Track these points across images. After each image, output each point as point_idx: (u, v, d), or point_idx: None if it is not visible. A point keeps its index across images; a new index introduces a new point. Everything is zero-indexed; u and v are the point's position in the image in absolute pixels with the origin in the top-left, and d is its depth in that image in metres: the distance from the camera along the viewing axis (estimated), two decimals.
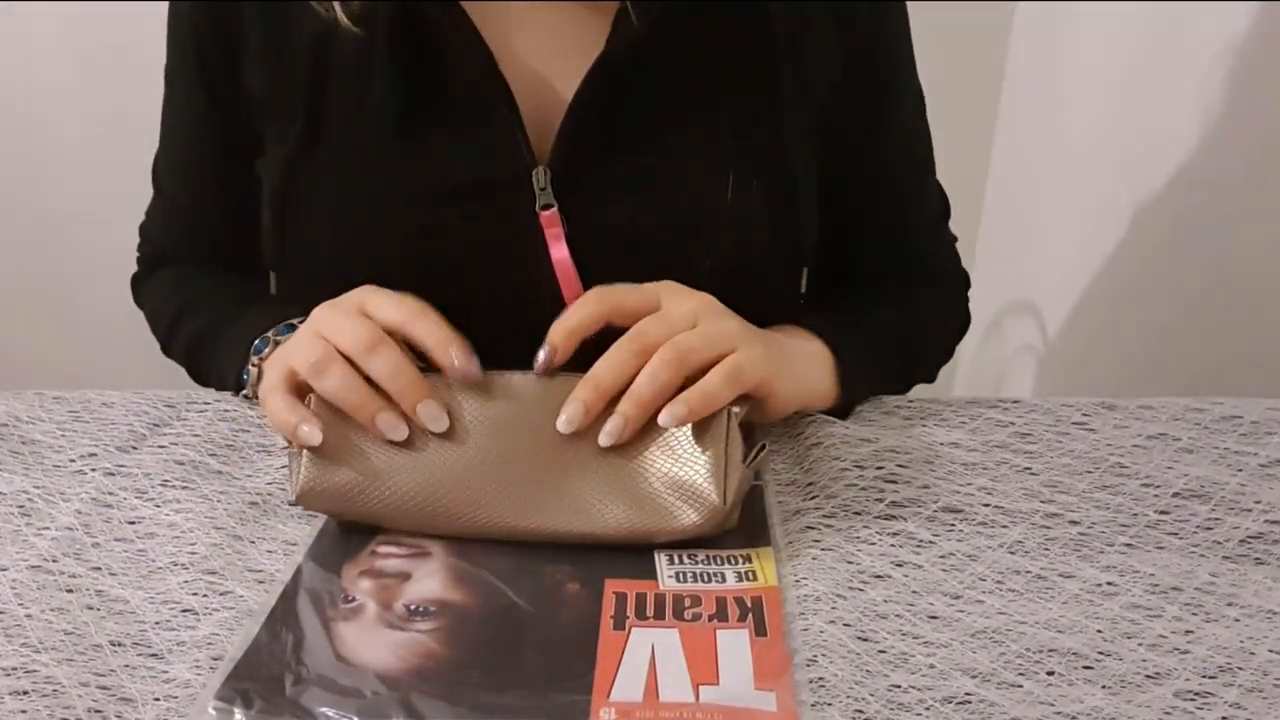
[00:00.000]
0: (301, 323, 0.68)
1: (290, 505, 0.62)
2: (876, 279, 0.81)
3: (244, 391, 0.72)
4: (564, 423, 0.59)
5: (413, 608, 0.54)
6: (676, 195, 0.71)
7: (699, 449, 0.59)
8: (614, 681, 0.49)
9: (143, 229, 0.86)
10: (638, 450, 0.59)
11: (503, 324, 0.69)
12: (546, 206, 0.69)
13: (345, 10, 0.68)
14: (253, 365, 0.70)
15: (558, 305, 0.69)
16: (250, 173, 0.76)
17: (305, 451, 0.60)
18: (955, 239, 0.86)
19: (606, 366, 0.60)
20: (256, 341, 0.70)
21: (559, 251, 0.70)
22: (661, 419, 0.58)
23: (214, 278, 0.82)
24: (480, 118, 0.70)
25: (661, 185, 0.71)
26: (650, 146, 0.71)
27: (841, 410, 0.72)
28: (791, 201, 0.74)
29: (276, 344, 0.69)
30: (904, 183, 0.81)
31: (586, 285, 0.69)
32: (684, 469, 0.58)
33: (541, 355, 0.61)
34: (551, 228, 0.69)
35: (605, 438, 0.59)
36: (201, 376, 0.80)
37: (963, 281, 0.86)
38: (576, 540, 0.58)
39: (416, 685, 0.49)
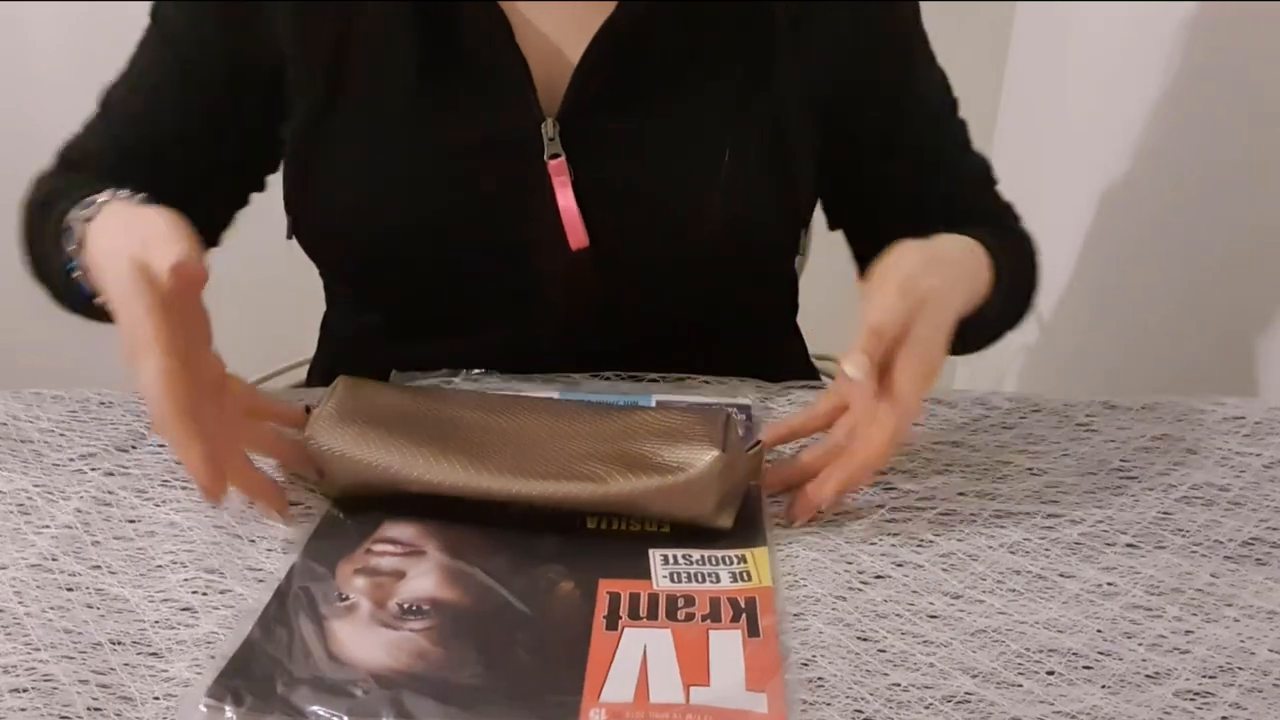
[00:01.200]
0: (104, 202, 0.65)
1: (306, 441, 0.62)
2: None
3: (71, 265, 0.67)
4: (855, 370, 0.58)
5: (406, 606, 0.54)
6: (676, 155, 0.74)
7: (698, 430, 0.60)
8: (605, 682, 0.49)
9: (70, 144, 0.82)
10: (639, 440, 0.60)
11: (509, 267, 0.75)
12: (554, 156, 0.73)
13: None
14: (76, 276, 0.66)
15: (562, 251, 0.73)
16: (229, 127, 0.77)
17: (315, 418, 0.62)
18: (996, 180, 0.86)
19: (886, 318, 0.60)
20: (68, 248, 0.66)
21: (565, 199, 0.73)
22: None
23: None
24: (493, 77, 0.73)
25: (663, 145, 0.74)
26: (654, 107, 0.74)
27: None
28: (787, 167, 0.76)
29: (86, 221, 0.65)
30: (938, 150, 0.82)
31: (591, 234, 0.73)
32: (683, 440, 0.60)
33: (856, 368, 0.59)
34: (559, 176, 0.73)
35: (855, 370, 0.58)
36: (30, 250, 0.76)
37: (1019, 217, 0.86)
38: (581, 502, 0.59)
39: (407, 684, 0.49)
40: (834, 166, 0.81)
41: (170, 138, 0.78)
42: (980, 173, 0.85)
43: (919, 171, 0.81)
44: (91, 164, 0.79)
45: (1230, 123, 1.08)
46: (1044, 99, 1.47)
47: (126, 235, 0.61)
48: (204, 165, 0.78)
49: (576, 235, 0.73)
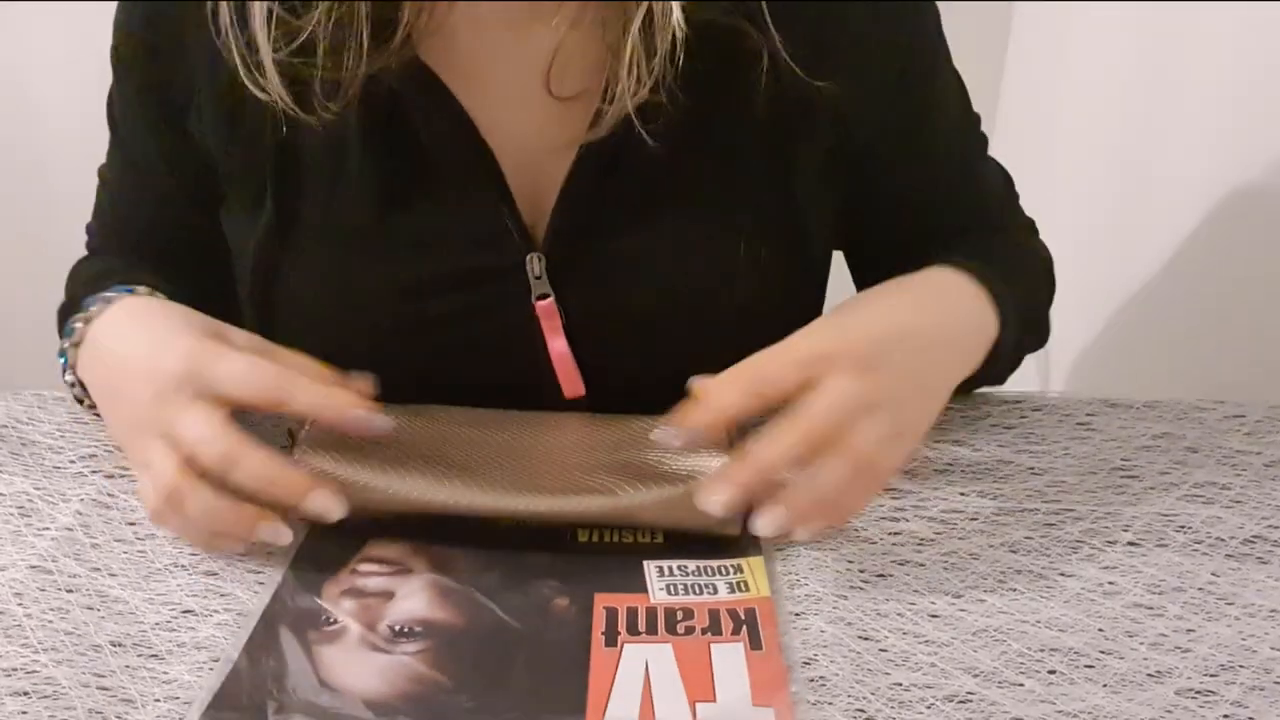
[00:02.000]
0: (114, 293, 0.63)
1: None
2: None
3: (75, 396, 0.67)
4: (717, 504, 0.53)
5: (397, 629, 0.52)
6: (680, 273, 0.66)
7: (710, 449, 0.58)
8: (608, 701, 0.48)
9: (88, 226, 0.80)
10: (642, 448, 0.59)
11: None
12: (543, 296, 0.65)
13: (325, 113, 0.62)
14: (68, 381, 0.65)
15: (556, 398, 0.67)
16: (195, 213, 0.71)
17: (304, 440, 0.58)
18: (1031, 222, 0.80)
19: (775, 452, 0.53)
20: (64, 343, 0.64)
21: (557, 344, 0.66)
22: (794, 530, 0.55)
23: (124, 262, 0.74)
24: (468, 201, 0.65)
25: (665, 264, 0.66)
26: (652, 223, 0.66)
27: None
28: (804, 261, 0.71)
29: (75, 346, 0.63)
30: (962, 186, 0.75)
31: (585, 375, 0.67)
32: (698, 459, 0.58)
33: (680, 436, 0.55)
34: (549, 319, 0.65)
35: (765, 527, 0.53)
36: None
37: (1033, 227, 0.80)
38: (590, 517, 0.57)
39: (405, 710, 0.47)
40: (845, 210, 0.73)
41: (152, 234, 0.74)
42: (997, 197, 0.78)
43: (934, 207, 0.74)
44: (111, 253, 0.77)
45: (1234, 123, 1.08)
46: (1042, 100, 1.47)
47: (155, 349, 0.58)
48: (203, 246, 0.72)
49: (572, 384, 0.66)
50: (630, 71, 0.60)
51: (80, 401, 0.69)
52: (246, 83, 0.61)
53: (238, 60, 0.61)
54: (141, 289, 0.66)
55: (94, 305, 0.63)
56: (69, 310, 0.67)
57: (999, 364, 0.67)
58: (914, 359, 0.58)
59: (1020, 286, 0.68)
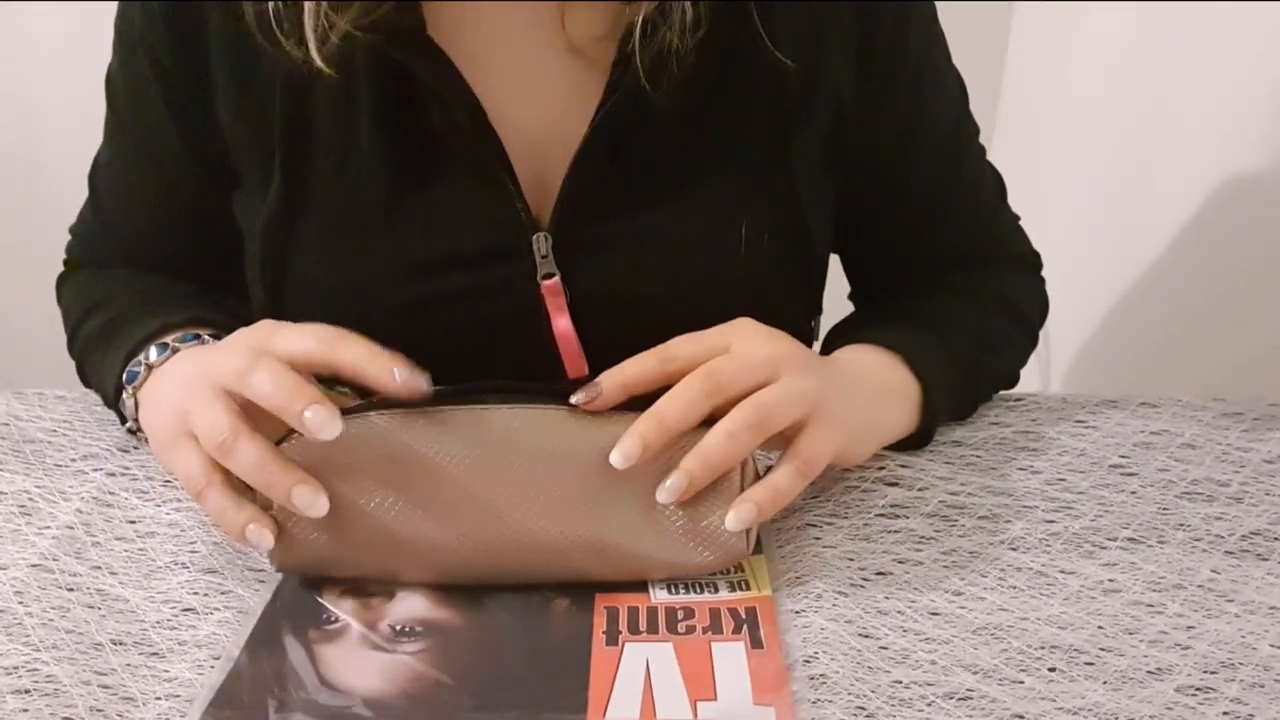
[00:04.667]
0: (177, 342, 0.64)
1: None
2: (946, 271, 0.76)
3: (127, 425, 0.66)
4: (619, 459, 0.53)
5: (398, 628, 0.53)
6: (684, 256, 0.67)
7: (719, 496, 0.55)
8: (609, 699, 0.48)
9: (74, 230, 0.79)
10: (651, 496, 0.55)
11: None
12: (548, 276, 0.66)
13: (320, 53, 0.61)
14: (128, 397, 0.64)
15: (558, 377, 0.67)
16: (211, 198, 0.71)
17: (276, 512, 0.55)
18: (1018, 218, 0.80)
19: (674, 405, 0.55)
20: (129, 368, 0.65)
21: (562, 324, 0.67)
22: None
23: (138, 278, 0.75)
24: (474, 180, 0.66)
25: (668, 246, 0.67)
26: (655, 206, 0.67)
27: (920, 439, 0.68)
28: (804, 248, 0.71)
29: (150, 368, 0.64)
30: (952, 184, 0.75)
31: (589, 354, 0.67)
32: (705, 517, 0.55)
33: (582, 394, 0.56)
34: (554, 298, 0.66)
35: (664, 494, 0.54)
36: (87, 381, 0.74)
37: (1033, 261, 0.81)
38: (586, 579, 0.55)
39: (405, 709, 0.48)
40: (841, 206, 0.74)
41: (160, 225, 0.74)
42: (990, 198, 0.77)
43: (919, 213, 0.74)
44: (103, 260, 0.77)
45: (1233, 122, 1.08)
46: (1042, 100, 1.47)
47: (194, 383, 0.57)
48: (213, 238, 0.72)
49: (575, 364, 0.67)
50: (645, 33, 0.61)
51: (124, 421, 0.68)
52: (262, 39, 0.62)
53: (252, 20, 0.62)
54: (205, 333, 0.66)
55: (161, 353, 0.64)
56: (108, 333, 0.69)
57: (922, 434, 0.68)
58: (848, 380, 0.63)
59: (963, 369, 0.70)
